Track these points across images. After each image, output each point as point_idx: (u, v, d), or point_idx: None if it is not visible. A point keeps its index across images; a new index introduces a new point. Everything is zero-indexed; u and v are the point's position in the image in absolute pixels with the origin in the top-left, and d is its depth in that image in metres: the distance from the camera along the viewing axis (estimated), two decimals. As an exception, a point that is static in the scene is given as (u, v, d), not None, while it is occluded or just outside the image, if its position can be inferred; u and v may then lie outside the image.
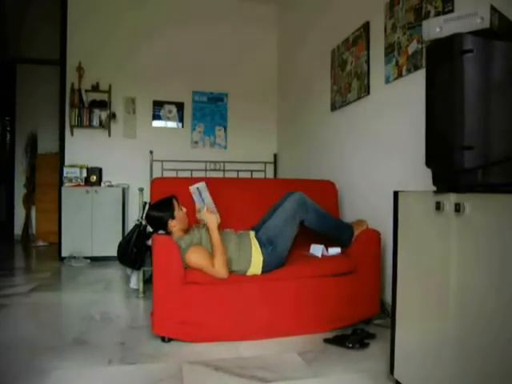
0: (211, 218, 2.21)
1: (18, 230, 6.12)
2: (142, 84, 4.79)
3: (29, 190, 6.09)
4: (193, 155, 4.88)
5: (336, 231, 2.51)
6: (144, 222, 2.92)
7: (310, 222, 2.40)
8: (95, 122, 4.67)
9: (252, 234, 2.37)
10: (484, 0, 1.32)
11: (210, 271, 2.13)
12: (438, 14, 2.16)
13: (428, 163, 1.49)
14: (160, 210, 2.33)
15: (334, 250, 2.52)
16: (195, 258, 2.14)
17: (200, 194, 2.32)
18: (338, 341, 2.14)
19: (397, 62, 2.54)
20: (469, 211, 1.29)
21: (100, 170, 4.64)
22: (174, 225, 2.30)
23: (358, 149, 3.11)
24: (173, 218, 2.30)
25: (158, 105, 4.89)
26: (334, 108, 3.51)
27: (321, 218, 2.44)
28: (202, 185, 2.33)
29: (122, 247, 3.04)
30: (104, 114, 4.69)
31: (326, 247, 2.54)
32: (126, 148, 4.76)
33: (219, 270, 2.12)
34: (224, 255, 2.14)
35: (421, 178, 1.76)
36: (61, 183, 4.49)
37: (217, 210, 2.32)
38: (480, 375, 1.26)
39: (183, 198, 2.41)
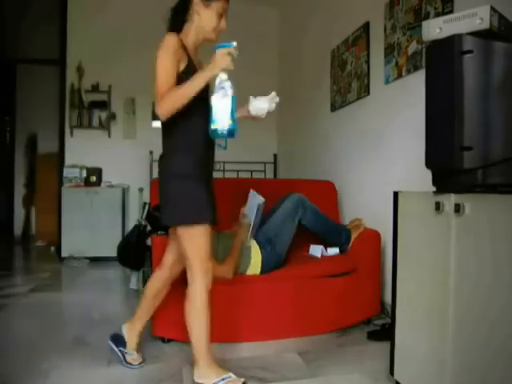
0: (246, 234, 2.28)
1: (17, 230, 6.12)
2: (142, 84, 4.77)
3: (29, 190, 6.10)
4: (193, 155, 4.87)
5: (333, 233, 2.53)
6: (144, 222, 2.92)
7: (307, 222, 2.41)
8: (95, 123, 4.66)
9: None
10: (484, 1, 1.32)
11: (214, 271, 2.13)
12: (437, 14, 2.16)
13: (428, 163, 1.49)
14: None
15: (333, 251, 2.52)
16: None
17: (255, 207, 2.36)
18: (382, 335, 2.15)
19: (396, 63, 2.54)
20: (469, 211, 1.29)
21: (100, 170, 4.64)
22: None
23: (357, 149, 3.11)
24: None
25: (157, 105, 4.88)
26: (333, 108, 3.51)
27: (318, 218, 2.45)
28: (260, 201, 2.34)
29: (122, 247, 3.04)
30: (104, 115, 4.68)
31: (325, 247, 2.54)
32: (126, 148, 4.76)
33: (228, 270, 2.14)
34: (238, 260, 2.20)
35: (421, 178, 1.76)
36: (61, 183, 4.49)
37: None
38: (480, 375, 1.26)
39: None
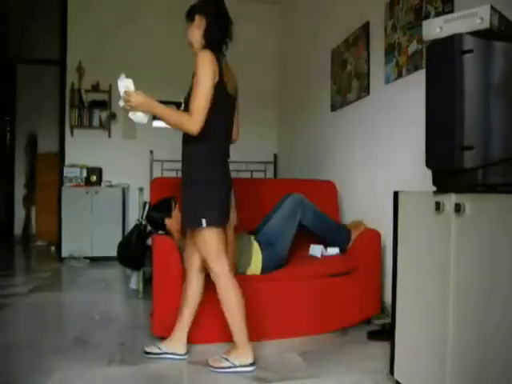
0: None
1: (18, 230, 6.12)
2: (142, 84, 4.75)
3: (29, 190, 6.10)
4: (193, 155, 4.87)
5: (333, 233, 2.52)
6: (144, 222, 2.92)
7: (307, 222, 2.41)
8: (95, 122, 4.66)
9: (252, 236, 2.38)
10: (484, 0, 1.32)
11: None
12: (438, 14, 2.15)
13: (428, 163, 1.49)
14: (159, 210, 2.35)
15: (333, 250, 2.52)
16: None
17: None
18: (383, 335, 2.14)
19: (397, 62, 2.54)
20: (469, 211, 1.29)
21: (100, 170, 4.64)
22: (172, 224, 2.30)
23: (357, 149, 3.11)
24: (169, 216, 2.31)
25: (158, 105, 4.88)
26: (333, 108, 3.51)
27: (318, 218, 2.45)
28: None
29: (122, 247, 3.04)
30: (104, 114, 4.68)
31: (325, 247, 2.54)
32: (126, 148, 4.75)
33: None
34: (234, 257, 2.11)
35: (421, 178, 1.77)
36: (61, 183, 4.49)
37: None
38: (480, 375, 1.26)
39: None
